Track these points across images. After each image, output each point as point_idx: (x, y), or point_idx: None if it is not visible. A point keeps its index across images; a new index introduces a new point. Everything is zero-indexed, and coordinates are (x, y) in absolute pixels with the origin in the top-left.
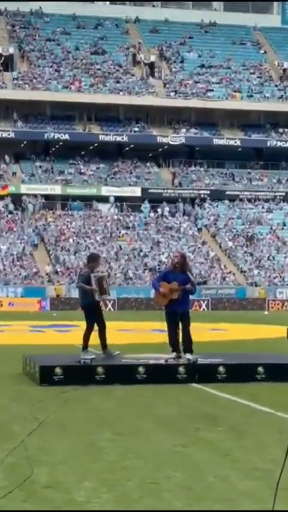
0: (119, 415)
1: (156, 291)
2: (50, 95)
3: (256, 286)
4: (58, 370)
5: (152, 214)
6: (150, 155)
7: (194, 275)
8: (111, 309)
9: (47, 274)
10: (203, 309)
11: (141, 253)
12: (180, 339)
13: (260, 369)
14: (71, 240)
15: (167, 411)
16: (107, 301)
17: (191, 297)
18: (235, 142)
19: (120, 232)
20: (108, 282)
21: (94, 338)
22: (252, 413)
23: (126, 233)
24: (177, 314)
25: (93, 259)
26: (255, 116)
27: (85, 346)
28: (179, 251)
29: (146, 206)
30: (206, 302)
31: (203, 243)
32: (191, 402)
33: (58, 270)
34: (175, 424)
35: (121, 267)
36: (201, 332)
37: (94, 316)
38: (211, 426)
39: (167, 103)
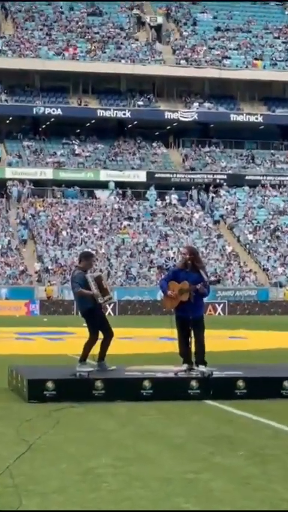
0: (121, 437)
1: (164, 292)
2: (39, 63)
3: (280, 287)
4: (50, 384)
5: (159, 203)
6: (157, 133)
7: (209, 274)
8: (111, 313)
9: (36, 272)
10: (219, 314)
11: (147, 249)
12: (193, 349)
13: (286, 383)
14: (64, 233)
15: (177, 432)
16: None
17: (205, 299)
18: (256, 119)
19: (121, 224)
20: (107, 282)
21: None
22: (276, 435)
23: (129, 225)
24: (188, 319)
25: (85, 258)
26: (280, 88)
27: (83, 357)
28: (189, 245)
29: (152, 193)
30: (222, 305)
31: (219, 237)
32: (205, 422)
33: (49, 267)
34: (186, 447)
35: (123, 265)
36: (217, 340)
37: (98, 322)
38: (228, 450)
39: (177, 73)
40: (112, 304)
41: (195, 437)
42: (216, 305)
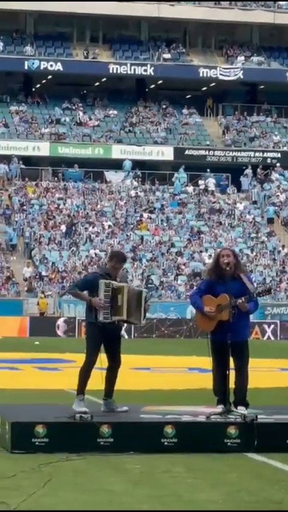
0: (133, 501)
1: (199, 310)
2: (33, 2)
3: None
4: (40, 429)
5: (189, 189)
6: (189, 97)
7: (255, 283)
8: (125, 335)
9: (25, 280)
10: (268, 338)
11: (173, 250)
12: (232, 384)
13: None
14: (63, 228)
15: (209, 495)
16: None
17: (251, 317)
18: None
19: (140, 216)
20: (145, 302)
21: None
22: None
23: (150, 218)
24: (227, 345)
25: (117, 258)
26: None
27: (80, 390)
28: (228, 247)
29: (181, 176)
30: (272, 327)
31: (270, 235)
32: (246, 483)
33: (43, 273)
34: None
35: (140, 271)
36: (265, 372)
37: (97, 344)
38: None
39: (216, 16)
40: (126, 325)
41: (232, 502)
42: (265, 326)
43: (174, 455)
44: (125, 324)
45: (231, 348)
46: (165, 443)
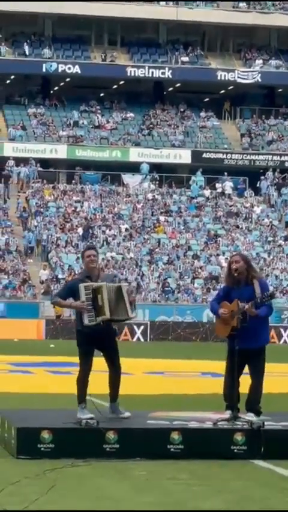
0: (137, 509)
1: (216, 315)
2: (51, 4)
3: None
4: (45, 435)
5: (207, 192)
6: (207, 100)
7: (271, 287)
8: (141, 338)
9: (42, 283)
10: (285, 342)
11: (190, 253)
12: (244, 390)
13: None
14: (80, 231)
15: (213, 503)
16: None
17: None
18: None
19: (157, 219)
20: (129, 295)
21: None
22: None
23: (167, 221)
24: (243, 352)
25: (82, 256)
26: None
27: (80, 398)
28: (238, 253)
29: (198, 179)
30: None
31: (287, 239)
32: (251, 490)
33: (60, 276)
34: None
35: (157, 274)
36: (278, 378)
37: (87, 351)
38: None
39: (234, 19)
40: (142, 327)
41: (237, 510)
42: (281, 330)
43: (180, 462)
44: (116, 324)
45: (246, 354)
46: (172, 450)
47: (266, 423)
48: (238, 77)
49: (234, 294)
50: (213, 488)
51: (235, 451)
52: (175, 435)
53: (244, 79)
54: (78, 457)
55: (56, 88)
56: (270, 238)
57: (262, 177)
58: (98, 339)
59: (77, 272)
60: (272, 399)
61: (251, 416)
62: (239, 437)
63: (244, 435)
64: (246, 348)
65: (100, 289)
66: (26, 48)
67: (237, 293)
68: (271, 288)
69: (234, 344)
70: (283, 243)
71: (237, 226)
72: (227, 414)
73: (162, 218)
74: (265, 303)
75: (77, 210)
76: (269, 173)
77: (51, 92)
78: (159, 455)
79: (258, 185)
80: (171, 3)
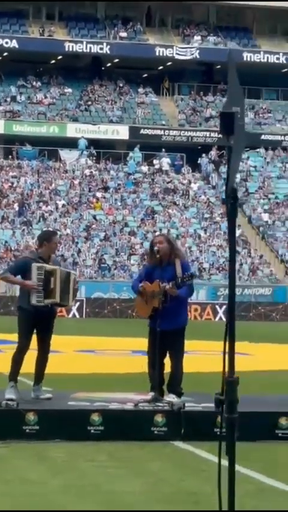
0: (49, 492)
1: (136, 293)
2: None
3: None
4: None
5: (144, 169)
6: (145, 76)
7: (191, 273)
8: (76, 314)
9: None
10: (220, 319)
11: (126, 229)
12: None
13: (283, 421)
14: (16, 206)
15: (129, 486)
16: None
17: (189, 300)
18: (277, 59)
19: (94, 196)
20: (75, 284)
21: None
22: (258, 493)
23: (104, 197)
24: (163, 333)
25: (46, 240)
26: None
27: (12, 376)
28: (162, 234)
29: (136, 155)
30: (224, 307)
31: (224, 216)
32: (168, 472)
33: None
34: (135, 509)
35: (94, 250)
36: (208, 356)
37: (29, 329)
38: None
39: None
40: (78, 303)
41: (151, 493)
42: (217, 307)
43: (101, 443)
44: (58, 308)
45: (166, 335)
46: (92, 431)
47: (186, 404)
48: (176, 54)
49: (156, 274)
50: (131, 470)
51: (155, 432)
52: (95, 417)
53: (182, 55)
54: None
55: None
56: (207, 215)
57: (203, 155)
58: (39, 320)
59: (12, 248)
60: (200, 378)
61: (172, 398)
62: (159, 418)
63: (164, 417)
64: (166, 330)
65: (54, 272)
66: None
67: (159, 273)
68: (192, 269)
69: (156, 325)
70: (220, 219)
71: (175, 203)
72: (150, 395)
73: (99, 194)
74: (186, 283)
75: (14, 185)
76: (212, 152)
77: None
78: (79, 436)
79: (198, 161)
80: None
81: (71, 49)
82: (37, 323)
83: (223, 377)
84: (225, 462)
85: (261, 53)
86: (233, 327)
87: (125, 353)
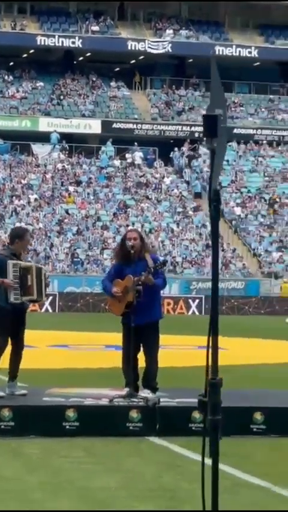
0: (24, 488)
1: (109, 294)
2: None
3: (276, 278)
4: None
5: (117, 163)
6: (117, 69)
7: (163, 260)
8: (49, 309)
9: None
10: (193, 313)
11: (99, 223)
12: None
13: (258, 416)
14: None
15: (104, 482)
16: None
17: (162, 293)
18: (249, 52)
19: (67, 190)
20: (46, 279)
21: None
22: (233, 488)
23: (76, 191)
24: (137, 328)
25: (19, 237)
26: (280, 13)
27: None
28: (134, 229)
29: (108, 149)
30: (197, 302)
31: (196, 209)
32: (144, 468)
33: None
34: (111, 505)
35: (67, 245)
36: (182, 350)
37: (7, 327)
38: (170, 509)
39: None
40: (51, 297)
41: (126, 489)
42: (190, 301)
43: (76, 439)
44: (30, 304)
45: (140, 330)
46: (67, 427)
47: (161, 400)
48: (148, 47)
49: (128, 271)
50: (106, 466)
51: (131, 428)
52: (70, 413)
53: (154, 49)
54: None
55: None
56: (179, 209)
57: (176, 149)
58: (16, 316)
59: None
60: (173, 374)
61: (147, 393)
62: (134, 414)
63: (139, 413)
64: (140, 324)
65: (30, 269)
66: None
67: (131, 269)
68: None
69: (130, 321)
70: (192, 213)
71: (147, 197)
72: (125, 391)
73: (71, 188)
74: (158, 270)
75: None
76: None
77: None
78: (54, 432)
79: (171, 155)
80: None
81: (43, 43)
82: (14, 319)
83: (206, 379)
84: (206, 459)
85: (234, 46)
86: (216, 332)
87: (98, 347)
